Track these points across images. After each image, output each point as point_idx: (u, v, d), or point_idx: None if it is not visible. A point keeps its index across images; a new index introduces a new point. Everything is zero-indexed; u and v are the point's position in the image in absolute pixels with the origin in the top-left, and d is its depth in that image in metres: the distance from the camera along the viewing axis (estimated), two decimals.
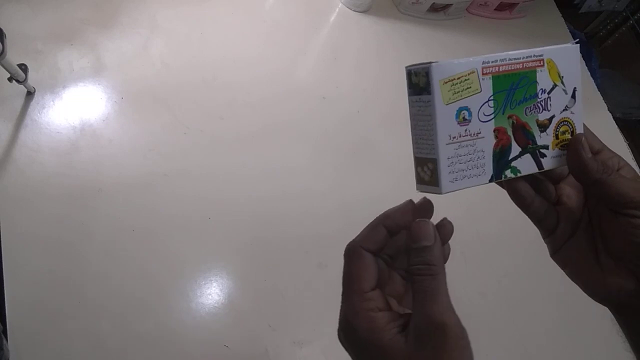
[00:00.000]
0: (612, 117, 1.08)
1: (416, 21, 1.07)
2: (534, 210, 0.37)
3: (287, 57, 0.94)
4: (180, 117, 0.81)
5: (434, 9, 1.07)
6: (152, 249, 0.70)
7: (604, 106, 1.09)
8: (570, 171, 0.36)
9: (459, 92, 0.32)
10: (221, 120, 0.83)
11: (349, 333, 0.33)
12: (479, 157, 0.34)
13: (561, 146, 0.36)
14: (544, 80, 0.35)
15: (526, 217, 0.38)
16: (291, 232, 0.77)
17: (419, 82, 0.33)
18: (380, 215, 0.36)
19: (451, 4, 1.05)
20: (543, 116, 0.36)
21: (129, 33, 0.87)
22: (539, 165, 0.36)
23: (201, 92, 0.85)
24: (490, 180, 0.34)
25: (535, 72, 0.35)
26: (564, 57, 0.36)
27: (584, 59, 1.15)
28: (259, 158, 0.82)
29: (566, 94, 0.36)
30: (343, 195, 0.82)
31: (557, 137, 0.36)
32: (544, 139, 0.36)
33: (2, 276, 0.63)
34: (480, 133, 0.33)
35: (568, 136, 0.37)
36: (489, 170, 0.34)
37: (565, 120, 0.36)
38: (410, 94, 0.34)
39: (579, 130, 0.37)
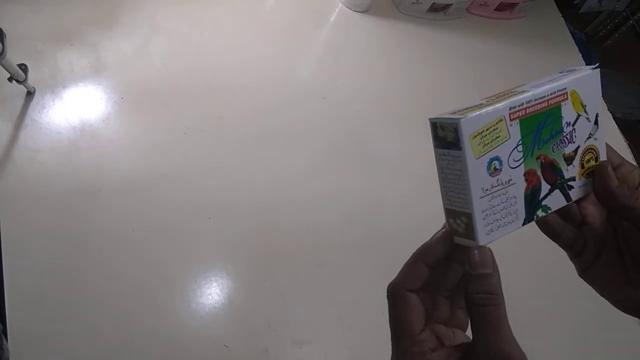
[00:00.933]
0: (612, 117, 1.08)
1: (416, 21, 1.07)
2: (565, 239, 0.37)
3: (287, 57, 0.94)
4: (180, 117, 0.81)
5: (434, 9, 1.07)
6: (152, 248, 0.70)
7: (604, 106, 1.09)
8: (597, 199, 0.36)
9: (488, 143, 0.31)
10: (221, 120, 0.83)
11: None
12: (512, 204, 0.33)
13: (587, 174, 0.36)
14: (568, 113, 0.35)
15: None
16: (291, 232, 0.77)
17: (447, 136, 0.31)
18: (417, 251, 0.35)
19: (451, 4, 1.05)
20: (569, 149, 0.35)
21: (129, 33, 0.87)
22: (567, 197, 0.36)
23: (201, 92, 0.85)
24: (524, 224, 0.34)
25: (560, 107, 0.34)
26: (586, 85, 0.35)
27: (583, 59, 1.15)
28: (258, 158, 0.82)
29: (589, 121, 0.36)
30: (343, 195, 0.82)
31: (582, 166, 0.36)
32: (571, 171, 0.35)
33: (2, 276, 0.63)
34: (511, 180, 0.33)
35: (593, 163, 0.36)
36: (522, 214, 0.34)
37: (590, 148, 0.36)
38: (436, 146, 0.33)
39: (602, 154, 0.36)
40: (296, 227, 0.78)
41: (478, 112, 0.31)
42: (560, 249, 0.39)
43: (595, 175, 0.36)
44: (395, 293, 0.34)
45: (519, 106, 0.32)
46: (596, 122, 0.36)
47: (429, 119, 0.33)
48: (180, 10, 0.92)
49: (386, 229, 0.81)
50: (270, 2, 1.00)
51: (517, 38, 1.13)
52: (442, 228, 0.35)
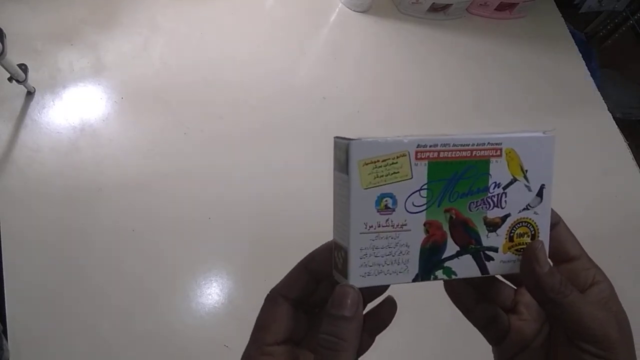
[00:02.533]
0: (612, 117, 1.08)
1: (416, 21, 1.07)
2: (476, 317, 0.33)
3: (287, 57, 0.94)
4: (180, 117, 0.81)
5: (434, 9, 1.07)
6: (152, 248, 0.70)
7: (604, 106, 1.09)
8: (524, 284, 0.31)
9: (382, 176, 0.28)
10: (221, 120, 0.83)
11: None
12: (401, 252, 0.29)
13: (516, 250, 0.31)
14: (499, 172, 0.30)
15: None
16: (291, 231, 0.77)
17: (340, 157, 0.29)
18: (305, 257, 0.32)
19: (451, 4, 1.05)
20: (493, 214, 0.30)
21: (129, 33, 0.87)
22: (483, 269, 0.31)
23: (201, 92, 0.85)
24: (415, 280, 0.30)
25: (487, 162, 0.29)
26: (531, 148, 0.30)
27: (583, 59, 1.15)
28: (259, 158, 0.82)
29: (530, 190, 0.30)
30: None
31: (511, 239, 0.31)
32: (492, 239, 0.30)
33: (2, 276, 0.63)
34: (405, 225, 0.29)
35: (527, 239, 0.31)
36: (414, 268, 0.30)
37: (525, 221, 0.31)
38: (334, 168, 0.30)
39: (542, 234, 0.31)
40: (296, 227, 0.78)
41: (375, 139, 0.28)
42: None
43: (524, 255, 0.30)
44: (268, 296, 0.32)
45: (430, 146, 0.29)
46: (539, 194, 0.31)
47: (334, 138, 0.30)
48: (180, 10, 0.92)
49: None
50: (270, 2, 1.00)
51: (517, 38, 1.13)
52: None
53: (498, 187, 0.30)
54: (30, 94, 0.76)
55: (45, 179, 0.71)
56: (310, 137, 0.86)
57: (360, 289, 0.29)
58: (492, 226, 0.30)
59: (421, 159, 0.29)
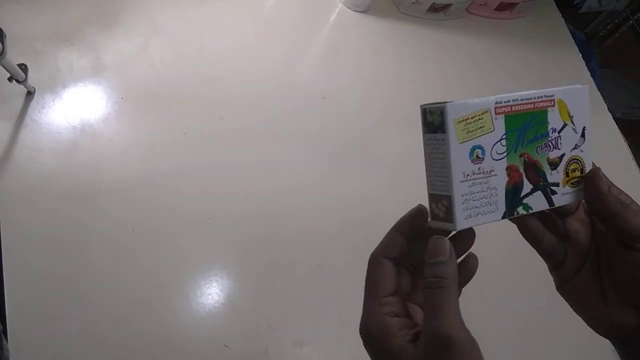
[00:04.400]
0: (612, 117, 1.08)
1: (416, 21, 1.07)
2: (544, 246, 0.38)
3: (287, 57, 0.94)
4: (181, 117, 0.81)
5: (434, 9, 1.07)
6: (152, 249, 0.70)
7: (604, 106, 1.09)
8: (587, 204, 0.37)
9: (472, 131, 0.33)
10: (221, 120, 0.83)
11: (365, 336, 0.34)
12: (492, 195, 0.34)
13: (571, 183, 0.37)
14: (554, 119, 0.36)
15: None
16: (291, 232, 0.77)
17: (434, 120, 0.33)
18: (396, 222, 0.37)
19: (451, 4, 1.06)
20: (554, 154, 0.36)
21: (129, 33, 0.87)
22: (550, 202, 0.36)
23: (201, 92, 0.85)
24: (503, 217, 0.35)
25: (546, 111, 0.36)
26: (574, 97, 0.37)
27: (583, 59, 1.15)
28: (259, 159, 0.82)
29: (576, 132, 0.37)
30: (343, 195, 0.82)
31: (567, 174, 0.37)
32: (555, 176, 0.36)
33: (2, 276, 0.63)
34: (493, 171, 0.34)
35: (578, 174, 0.37)
36: (502, 207, 0.35)
37: (575, 158, 0.37)
38: (424, 132, 0.35)
39: (589, 167, 0.38)
40: (297, 227, 0.78)
41: (464, 100, 0.33)
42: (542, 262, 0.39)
43: (588, 179, 0.37)
44: (372, 259, 0.36)
45: (504, 102, 0.34)
46: (583, 135, 0.37)
47: (420, 106, 0.34)
48: (180, 10, 0.92)
49: (386, 229, 0.81)
50: (270, 2, 1.00)
51: (517, 38, 1.13)
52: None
53: (555, 132, 0.36)
54: (30, 94, 0.76)
55: (45, 179, 0.71)
56: (311, 136, 0.86)
57: (458, 236, 0.35)
58: (553, 165, 0.36)
59: (499, 113, 0.34)
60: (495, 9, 1.12)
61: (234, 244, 0.74)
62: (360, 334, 0.35)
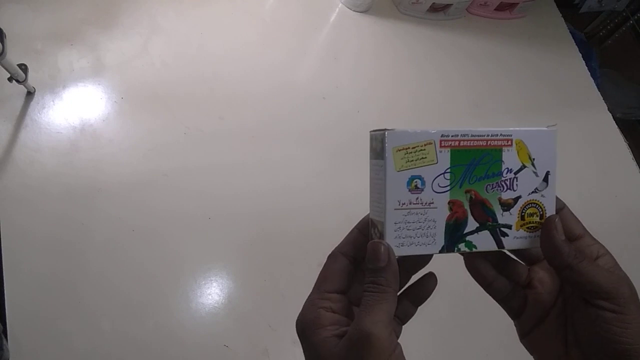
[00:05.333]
0: (612, 117, 1.08)
1: (416, 21, 1.07)
2: (495, 290, 0.37)
3: (287, 57, 0.94)
4: (180, 117, 0.81)
5: (434, 9, 1.07)
6: (152, 249, 0.70)
7: (604, 106, 1.09)
8: (542, 253, 0.35)
9: (412, 160, 0.33)
10: (221, 120, 0.83)
11: (298, 325, 0.35)
12: (429, 227, 0.33)
13: (527, 228, 0.35)
14: (510, 160, 0.35)
15: None
16: (291, 232, 0.77)
17: (377, 147, 0.34)
18: (359, 222, 0.38)
19: (451, 4, 1.06)
20: (507, 195, 0.35)
21: (129, 33, 0.87)
22: (499, 244, 0.35)
23: (201, 92, 0.85)
24: (441, 251, 0.34)
25: (500, 151, 0.34)
26: (537, 140, 0.35)
27: (583, 59, 1.15)
28: (259, 158, 0.82)
29: (537, 176, 0.35)
30: (343, 195, 0.82)
31: (522, 218, 0.35)
32: (507, 218, 0.35)
33: (2, 276, 0.63)
34: (432, 203, 0.33)
35: (536, 219, 0.35)
36: (440, 240, 0.34)
37: (534, 202, 0.35)
38: (371, 157, 0.35)
39: (550, 213, 0.36)
40: (296, 227, 0.78)
41: (406, 130, 0.33)
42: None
43: (543, 227, 0.35)
44: (331, 254, 0.37)
45: (452, 136, 0.33)
46: (546, 180, 0.36)
47: (370, 132, 0.35)
48: (180, 10, 0.92)
49: None
50: (270, 2, 1.00)
51: (517, 38, 1.13)
52: None
53: (510, 172, 0.35)
54: (30, 94, 0.76)
55: (45, 179, 0.71)
56: (310, 136, 0.86)
57: (404, 260, 0.34)
58: (506, 206, 0.35)
59: (445, 146, 0.33)
60: (495, 9, 1.12)
61: (234, 244, 0.74)
62: (296, 323, 0.36)
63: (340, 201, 0.81)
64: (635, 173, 1.02)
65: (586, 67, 1.14)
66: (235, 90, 0.87)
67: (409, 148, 0.33)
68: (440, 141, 0.33)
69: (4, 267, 0.64)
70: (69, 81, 0.79)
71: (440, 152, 0.33)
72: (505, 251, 0.36)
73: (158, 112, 0.81)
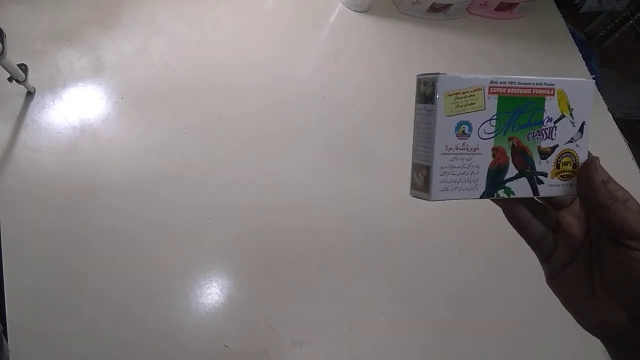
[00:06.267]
0: (612, 117, 1.08)
1: (416, 21, 1.07)
2: (530, 233, 0.37)
3: (287, 57, 0.94)
4: (180, 117, 0.81)
5: (434, 9, 1.07)
6: (152, 248, 0.70)
7: (604, 106, 1.09)
8: (578, 193, 0.37)
9: (462, 106, 0.33)
10: (221, 120, 0.83)
11: None
12: (473, 172, 0.34)
13: (561, 176, 0.37)
14: (551, 109, 0.36)
15: None
16: (291, 232, 0.77)
17: (426, 91, 0.34)
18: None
19: (451, 4, 1.05)
20: (546, 144, 0.36)
21: (129, 33, 0.87)
22: (535, 190, 0.36)
23: (201, 92, 0.85)
24: (482, 197, 0.35)
25: (543, 99, 0.35)
26: (577, 90, 0.36)
27: (583, 59, 1.15)
28: (258, 157, 0.82)
29: (574, 126, 0.37)
30: (343, 195, 0.82)
31: (557, 166, 0.36)
32: (544, 166, 0.36)
33: (2, 276, 0.63)
34: (477, 149, 0.34)
35: (570, 167, 0.37)
36: (482, 186, 0.34)
37: (569, 152, 0.37)
38: (417, 102, 0.35)
39: (583, 162, 0.37)
40: (296, 227, 0.78)
41: (458, 75, 0.33)
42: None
43: (583, 167, 0.36)
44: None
45: (500, 83, 0.34)
46: (581, 130, 0.37)
47: (417, 76, 0.35)
48: (180, 10, 0.92)
49: (386, 229, 0.81)
50: (270, 1, 1.00)
51: (517, 38, 1.13)
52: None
53: (550, 121, 0.36)
54: (30, 94, 0.76)
55: (45, 179, 0.71)
56: (310, 136, 0.86)
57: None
58: (544, 154, 0.36)
59: (493, 93, 0.34)
60: (495, 9, 1.12)
61: (234, 244, 0.74)
62: None
63: (340, 201, 0.81)
64: (635, 173, 1.02)
65: (586, 67, 1.14)
66: (235, 90, 0.87)
67: (459, 93, 0.33)
68: (489, 87, 0.33)
69: (4, 267, 0.63)
70: (69, 81, 0.79)
71: (489, 98, 0.34)
72: (535, 198, 0.37)
73: (158, 112, 0.81)
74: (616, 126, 1.07)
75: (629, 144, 1.06)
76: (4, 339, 0.59)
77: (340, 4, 1.04)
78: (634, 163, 1.03)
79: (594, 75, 0.37)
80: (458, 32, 1.09)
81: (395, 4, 1.07)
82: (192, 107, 0.83)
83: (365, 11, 1.05)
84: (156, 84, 0.83)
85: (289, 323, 0.70)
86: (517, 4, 1.11)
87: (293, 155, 0.84)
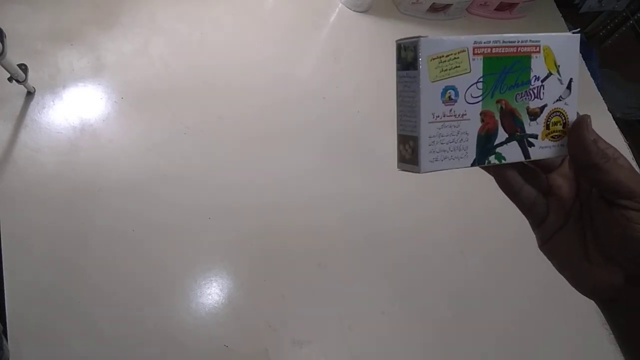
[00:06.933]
0: (612, 117, 1.08)
1: (416, 21, 1.07)
2: (522, 199, 0.36)
3: (287, 57, 0.94)
4: (180, 117, 0.81)
5: (434, 9, 1.07)
6: (152, 248, 0.70)
7: (604, 106, 1.09)
8: (569, 153, 0.36)
9: (446, 70, 0.31)
10: (221, 120, 0.83)
11: None
12: (462, 140, 0.32)
13: (551, 137, 0.35)
14: (538, 67, 0.34)
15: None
16: (291, 231, 0.77)
17: (407, 56, 0.32)
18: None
19: (451, 4, 1.06)
20: (534, 104, 0.34)
21: (129, 33, 0.87)
22: (526, 154, 0.35)
23: (201, 92, 0.85)
24: (473, 164, 0.33)
25: (529, 57, 0.34)
26: (562, 46, 0.35)
27: (584, 59, 1.15)
28: (258, 157, 0.82)
29: (561, 83, 0.35)
30: (342, 195, 0.82)
31: (547, 127, 0.35)
32: (534, 127, 0.35)
33: (2, 276, 0.63)
34: (465, 114, 0.32)
35: (560, 127, 0.35)
36: (472, 153, 0.33)
37: (558, 111, 0.35)
38: (398, 69, 0.33)
39: (572, 121, 0.36)
40: (296, 227, 0.78)
41: (440, 37, 0.31)
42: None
43: (574, 125, 0.35)
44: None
45: (484, 42, 0.32)
46: (569, 87, 0.35)
47: (396, 41, 0.32)
48: (180, 10, 0.92)
49: (386, 228, 0.81)
50: (270, 2, 1.00)
51: None
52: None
53: (537, 80, 0.34)
54: (30, 94, 0.76)
55: (45, 179, 0.71)
56: (310, 136, 0.86)
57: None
58: (533, 115, 0.35)
59: (477, 54, 0.32)
60: (495, 9, 1.12)
61: (234, 244, 0.74)
62: None
63: (339, 201, 0.81)
64: None
65: (586, 67, 1.14)
66: (235, 90, 0.87)
67: (442, 56, 0.31)
68: (474, 48, 0.32)
69: (4, 267, 0.63)
70: (69, 81, 0.79)
71: (474, 60, 0.32)
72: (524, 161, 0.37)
73: (158, 112, 0.81)
74: (616, 126, 1.07)
75: (629, 144, 1.06)
76: (4, 339, 0.59)
77: (340, 4, 1.04)
78: (634, 163, 1.03)
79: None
80: (458, 32, 1.09)
81: (395, 4, 1.07)
82: (192, 107, 0.83)
83: (365, 11, 1.05)
84: (156, 84, 0.83)
85: (289, 323, 0.70)
86: (517, 4, 1.11)
87: (293, 156, 0.84)
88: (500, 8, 1.12)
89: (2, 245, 0.64)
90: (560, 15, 1.21)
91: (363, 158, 0.87)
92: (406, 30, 1.05)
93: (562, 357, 0.79)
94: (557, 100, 0.35)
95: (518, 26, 1.15)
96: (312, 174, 0.83)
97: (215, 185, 0.77)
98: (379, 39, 1.03)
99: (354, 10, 1.04)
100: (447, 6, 1.06)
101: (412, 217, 0.82)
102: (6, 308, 0.62)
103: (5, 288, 0.62)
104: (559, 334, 0.79)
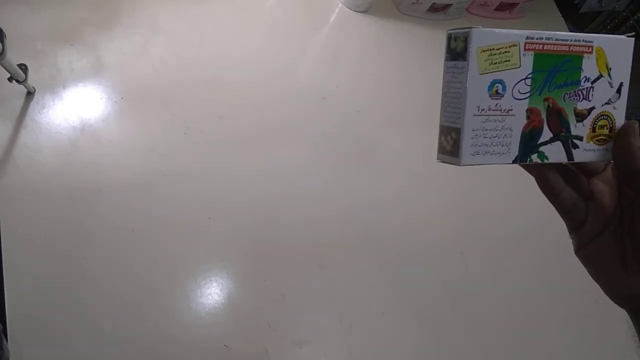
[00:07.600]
0: None
1: (416, 21, 1.07)
2: (562, 201, 0.36)
3: (287, 57, 0.94)
4: (180, 117, 0.81)
5: (434, 9, 1.07)
6: (152, 248, 0.70)
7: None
8: (614, 158, 0.35)
9: (496, 63, 0.31)
10: (221, 120, 0.83)
11: None
12: (505, 135, 0.32)
13: (597, 140, 0.34)
14: (589, 68, 0.33)
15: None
16: (291, 232, 0.77)
17: (457, 47, 0.31)
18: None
19: (451, 4, 1.05)
20: (582, 105, 0.34)
21: (129, 33, 0.87)
22: (569, 155, 0.34)
23: (201, 92, 0.85)
24: (514, 162, 0.32)
25: (581, 57, 0.33)
26: (616, 48, 0.34)
27: None
28: (258, 158, 0.82)
29: (611, 87, 0.34)
30: (342, 195, 0.82)
31: (593, 130, 0.34)
32: (579, 129, 0.34)
33: (2, 276, 0.63)
34: (511, 110, 0.32)
35: (606, 131, 0.35)
36: (515, 150, 0.32)
37: (606, 114, 0.35)
38: (446, 59, 0.33)
39: (619, 126, 0.35)
40: (296, 227, 0.78)
41: (492, 29, 0.30)
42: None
43: (621, 130, 0.34)
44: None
45: (537, 38, 0.32)
46: (619, 91, 0.35)
47: (447, 31, 0.33)
48: (180, 10, 0.92)
49: (386, 228, 0.81)
50: (270, 2, 1.00)
51: None
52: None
53: (587, 81, 0.34)
54: (30, 94, 0.76)
55: (46, 179, 0.71)
56: (310, 136, 0.86)
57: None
58: (580, 117, 0.34)
59: (529, 49, 0.32)
60: (495, 9, 1.12)
61: (235, 244, 0.74)
62: None
63: (339, 201, 0.81)
64: None
65: None
66: (235, 90, 0.87)
67: (493, 49, 0.30)
68: (525, 44, 0.31)
69: (4, 267, 0.63)
70: (69, 81, 0.79)
71: (524, 55, 0.31)
72: (568, 164, 0.36)
73: (158, 112, 0.81)
74: None
75: None
76: (4, 339, 0.59)
77: (340, 4, 1.04)
78: None
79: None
80: None
81: (395, 4, 1.07)
82: (192, 107, 0.83)
83: (365, 11, 1.05)
84: (156, 84, 0.83)
85: (289, 323, 0.70)
86: (517, 4, 1.11)
87: (293, 155, 0.84)
88: (500, 8, 1.12)
89: (2, 245, 0.64)
90: (560, 15, 1.21)
91: (362, 157, 0.87)
92: (406, 30, 1.05)
93: (562, 357, 0.79)
94: (605, 104, 0.34)
95: (518, 26, 1.15)
96: (312, 173, 0.83)
97: (215, 185, 0.77)
98: (379, 39, 1.03)
99: (354, 10, 1.04)
100: (447, 6, 1.06)
101: (412, 218, 0.82)
102: (6, 308, 0.62)
103: (5, 288, 0.62)
104: (558, 334, 0.79)
